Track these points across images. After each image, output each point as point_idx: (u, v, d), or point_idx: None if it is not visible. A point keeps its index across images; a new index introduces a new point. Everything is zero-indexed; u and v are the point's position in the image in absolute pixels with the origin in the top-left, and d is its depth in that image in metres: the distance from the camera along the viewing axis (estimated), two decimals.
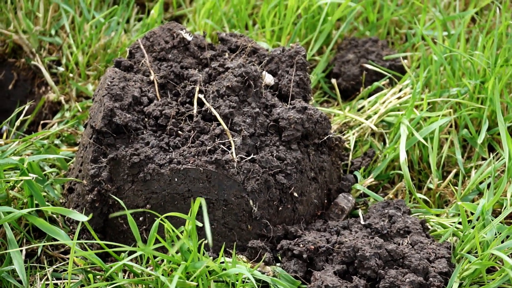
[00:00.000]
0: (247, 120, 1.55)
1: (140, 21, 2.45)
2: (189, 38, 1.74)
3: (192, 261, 1.33)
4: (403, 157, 1.76)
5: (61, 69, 2.19)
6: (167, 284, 1.30)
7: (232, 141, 1.51)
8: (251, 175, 1.51)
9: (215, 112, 1.50)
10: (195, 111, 1.58)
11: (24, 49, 2.28)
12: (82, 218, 1.36)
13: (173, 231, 1.36)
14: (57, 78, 2.21)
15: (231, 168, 1.49)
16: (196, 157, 1.50)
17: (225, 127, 1.52)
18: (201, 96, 1.59)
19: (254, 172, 1.52)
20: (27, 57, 2.26)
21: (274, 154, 1.56)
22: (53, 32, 2.28)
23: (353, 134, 1.96)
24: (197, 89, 1.60)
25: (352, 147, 1.92)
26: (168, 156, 1.51)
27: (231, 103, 1.56)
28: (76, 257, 1.50)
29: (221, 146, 1.51)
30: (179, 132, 1.56)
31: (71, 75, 2.17)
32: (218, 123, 1.55)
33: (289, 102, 1.66)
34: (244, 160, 1.51)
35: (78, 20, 2.25)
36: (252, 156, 1.53)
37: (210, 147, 1.50)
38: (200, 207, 1.47)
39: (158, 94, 1.64)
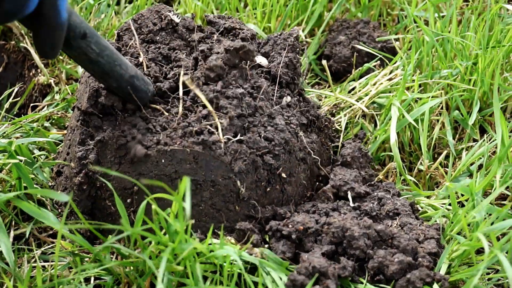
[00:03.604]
0: (234, 101, 1.55)
1: (131, 3, 2.43)
2: (177, 20, 1.73)
3: (179, 243, 1.32)
4: (393, 138, 1.76)
5: None
6: (153, 269, 1.30)
7: (218, 122, 1.50)
8: (238, 156, 1.51)
9: (199, 94, 1.48)
10: (181, 93, 1.57)
11: (14, 32, 2.27)
12: (63, 198, 1.35)
13: (160, 213, 1.36)
14: (47, 60, 2.20)
15: (218, 149, 1.48)
16: (183, 138, 1.49)
17: (211, 109, 1.51)
18: (187, 78, 1.58)
19: (242, 153, 1.51)
20: (17, 40, 2.25)
21: (262, 135, 1.55)
22: None
23: (344, 115, 1.95)
24: (182, 72, 1.59)
25: (343, 129, 1.91)
26: (155, 138, 1.50)
27: (216, 86, 1.55)
28: (64, 240, 1.49)
29: (208, 127, 1.50)
30: (166, 114, 1.55)
31: (61, 57, 2.16)
32: (204, 104, 1.54)
33: (277, 83, 1.66)
34: (231, 141, 1.50)
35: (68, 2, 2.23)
36: (239, 137, 1.52)
37: (196, 129, 1.50)
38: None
39: None
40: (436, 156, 1.90)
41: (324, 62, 2.08)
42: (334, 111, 1.99)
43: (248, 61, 1.61)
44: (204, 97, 1.51)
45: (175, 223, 1.32)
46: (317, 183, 1.73)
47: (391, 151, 1.81)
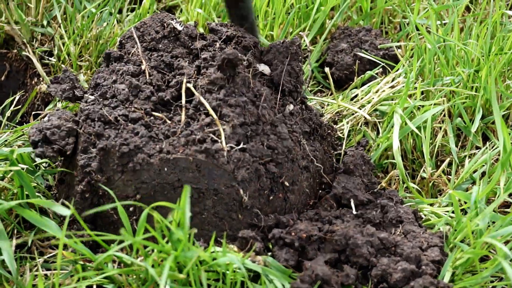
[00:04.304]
0: (236, 110, 1.54)
1: (133, 12, 2.43)
2: (179, 28, 1.73)
3: (182, 251, 1.32)
4: (396, 146, 1.75)
5: (53, 60, 2.18)
6: (156, 277, 1.29)
7: (221, 130, 1.50)
8: (241, 164, 1.50)
9: (203, 101, 1.48)
10: (183, 101, 1.57)
11: (16, 40, 2.27)
12: (64, 211, 1.35)
13: (162, 221, 1.35)
14: (49, 69, 2.20)
15: (221, 157, 1.48)
16: (185, 146, 1.49)
17: (215, 116, 1.51)
18: (190, 85, 1.58)
19: (245, 161, 1.51)
20: (19, 48, 2.25)
21: (265, 143, 1.55)
22: (45, 22, 2.27)
23: (347, 123, 1.95)
24: (185, 80, 1.59)
25: (345, 137, 1.91)
26: (157, 146, 1.50)
27: (218, 94, 1.55)
28: (67, 249, 1.49)
29: (211, 135, 1.50)
30: (169, 122, 1.55)
31: (63, 66, 2.16)
32: (207, 112, 1.54)
33: (279, 91, 1.65)
34: (234, 149, 1.50)
35: (70, 11, 2.24)
36: (242, 145, 1.52)
37: (199, 137, 1.49)
38: (191, 196, 1.47)
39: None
40: (439, 163, 1.89)
41: (326, 69, 2.08)
42: (336, 119, 1.99)
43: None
44: (208, 105, 1.51)
45: (178, 232, 1.32)
46: (320, 191, 1.72)
47: (393, 159, 1.80)
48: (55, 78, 1.75)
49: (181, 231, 1.33)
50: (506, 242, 1.55)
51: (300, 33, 2.25)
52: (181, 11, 2.45)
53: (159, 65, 1.66)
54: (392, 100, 1.98)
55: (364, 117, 1.94)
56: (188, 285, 1.37)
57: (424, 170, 1.83)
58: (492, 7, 2.14)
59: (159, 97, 1.59)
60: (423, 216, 1.67)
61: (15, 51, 2.28)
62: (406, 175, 1.82)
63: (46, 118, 1.61)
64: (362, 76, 2.12)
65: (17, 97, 2.01)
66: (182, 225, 1.31)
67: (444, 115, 1.95)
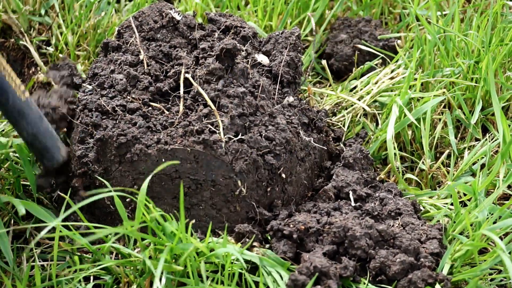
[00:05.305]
0: (235, 101, 1.53)
1: (131, 1, 2.42)
2: (178, 17, 1.72)
3: (178, 243, 1.31)
4: (390, 134, 1.74)
5: (51, 49, 2.17)
6: (152, 269, 1.29)
7: (220, 121, 1.49)
8: (239, 156, 1.49)
9: (202, 91, 1.47)
10: (181, 92, 1.56)
11: (13, 29, 2.25)
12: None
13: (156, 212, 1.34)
14: (47, 58, 2.18)
15: (219, 148, 1.47)
16: (183, 137, 1.48)
17: (213, 107, 1.50)
18: (189, 76, 1.57)
19: (243, 153, 1.50)
20: (17, 37, 2.24)
21: (263, 134, 1.54)
22: (42, 12, 2.25)
23: (346, 114, 1.94)
24: (183, 70, 1.58)
25: (345, 128, 1.90)
26: (155, 137, 1.49)
27: (217, 85, 1.54)
28: (64, 240, 1.48)
29: (209, 126, 1.49)
30: (167, 112, 1.54)
31: (60, 55, 2.14)
32: (205, 102, 1.53)
33: (278, 82, 1.65)
34: (232, 140, 1.49)
35: (68, 0, 2.22)
36: (240, 136, 1.51)
37: (197, 128, 1.48)
38: (188, 187, 1.47)
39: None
40: (438, 155, 1.88)
41: (323, 61, 2.06)
42: (335, 110, 1.98)
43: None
44: (206, 96, 1.50)
45: (170, 225, 1.31)
46: (318, 183, 1.71)
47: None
48: (53, 64, 1.74)
49: (175, 224, 1.32)
50: (506, 234, 1.54)
51: (308, 14, 2.23)
52: (179, 1, 2.43)
53: (157, 55, 1.65)
54: (392, 91, 1.97)
55: (363, 108, 1.93)
56: (186, 277, 1.37)
57: (423, 162, 1.83)
58: None
59: (157, 88, 1.58)
60: (422, 208, 1.66)
61: (12, 40, 2.26)
62: (404, 169, 1.82)
63: None
64: (362, 67, 2.11)
65: None
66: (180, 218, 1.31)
67: (444, 107, 1.94)
